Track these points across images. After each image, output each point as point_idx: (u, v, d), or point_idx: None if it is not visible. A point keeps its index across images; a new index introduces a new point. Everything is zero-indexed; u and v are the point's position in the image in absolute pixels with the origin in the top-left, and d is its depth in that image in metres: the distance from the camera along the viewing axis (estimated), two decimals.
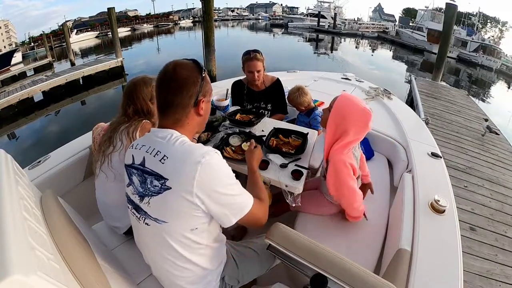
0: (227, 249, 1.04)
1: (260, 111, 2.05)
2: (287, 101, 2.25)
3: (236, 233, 1.78)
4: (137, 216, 0.87)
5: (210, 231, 0.88)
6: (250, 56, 2.06)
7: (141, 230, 0.89)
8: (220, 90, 2.45)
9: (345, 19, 39.64)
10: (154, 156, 0.82)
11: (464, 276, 1.07)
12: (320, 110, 2.29)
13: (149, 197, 0.81)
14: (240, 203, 0.85)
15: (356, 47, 25.32)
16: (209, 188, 0.78)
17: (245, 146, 1.51)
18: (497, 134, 4.34)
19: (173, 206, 0.78)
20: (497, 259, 2.09)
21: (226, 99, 2.12)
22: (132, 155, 0.89)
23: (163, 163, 0.80)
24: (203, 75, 0.88)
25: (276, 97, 2.22)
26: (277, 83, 2.27)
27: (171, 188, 0.77)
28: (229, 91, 2.28)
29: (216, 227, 0.92)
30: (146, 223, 0.84)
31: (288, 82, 2.49)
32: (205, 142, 1.53)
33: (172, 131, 0.86)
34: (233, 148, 1.50)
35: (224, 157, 1.41)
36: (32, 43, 33.25)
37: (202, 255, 0.88)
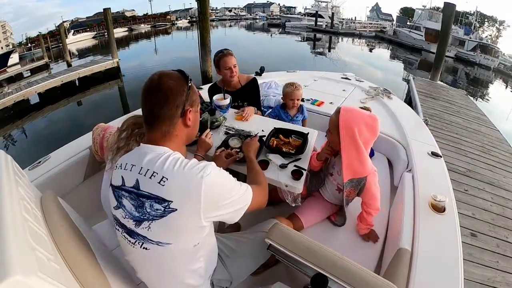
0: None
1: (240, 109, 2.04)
2: (282, 96, 2.26)
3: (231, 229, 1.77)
4: (129, 241, 0.82)
5: (208, 241, 0.91)
6: (224, 53, 2.05)
7: (134, 253, 0.85)
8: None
9: (343, 19, 39.75)
10: (151, 178, 0.78)
11: (465, 284, 1.06)
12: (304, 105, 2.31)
13: (150, 221, 0.77)
14: (243, 200, 0.88)
15: (350, 47, 25.32)
16: (214, 200, 0.79)
17: None
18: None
19: (178, 227, 0.77)
20: (498, 266, 2.02)
21: (225, 99, 2.11)
22: (122, 177, 0.83)
23: (163, 185, 0.76)
24: (189, 84, 0.87)
25: (252, 95, 2.23)
26: (254, 82, 2.26)
27: (176, 209, 0.75)
28: (224, 89, 2.27)
29: (212, 236, 0.95)
30: (144, 248, 0.80)
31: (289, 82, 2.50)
32: None
33: (164, 149, 0.83)
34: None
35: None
36: (29, 44, 33.08)
37: (195, 271, 0.89)
